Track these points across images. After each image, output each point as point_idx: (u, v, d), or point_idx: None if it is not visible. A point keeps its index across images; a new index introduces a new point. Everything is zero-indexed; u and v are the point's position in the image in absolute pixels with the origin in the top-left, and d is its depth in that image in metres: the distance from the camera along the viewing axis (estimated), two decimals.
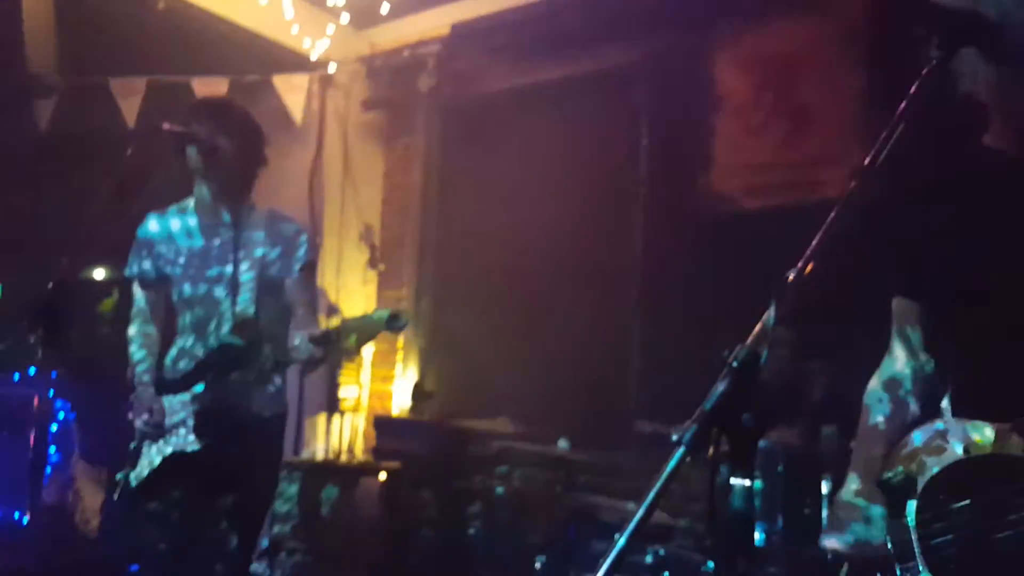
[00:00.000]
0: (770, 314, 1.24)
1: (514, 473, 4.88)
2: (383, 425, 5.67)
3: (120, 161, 2.98)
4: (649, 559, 3.22)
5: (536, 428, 4.77)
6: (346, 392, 5.74)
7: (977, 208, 1.70)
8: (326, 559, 5.13)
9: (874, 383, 1.89)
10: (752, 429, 1.18)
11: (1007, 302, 1.64)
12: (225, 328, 3.01)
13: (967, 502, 1.58)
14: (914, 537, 1.63)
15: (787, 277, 1.27)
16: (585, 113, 5.32)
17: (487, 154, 5.73)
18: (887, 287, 1.88)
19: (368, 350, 5.78)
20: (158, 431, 2.95)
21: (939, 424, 1.70)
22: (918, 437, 1.71)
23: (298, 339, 2.82)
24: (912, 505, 1.65)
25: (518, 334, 5.32)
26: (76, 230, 3.01)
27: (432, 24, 5.92)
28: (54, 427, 4.97)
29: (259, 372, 2.96)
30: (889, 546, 1.67)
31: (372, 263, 6.06)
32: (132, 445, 3.03)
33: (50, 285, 2.72)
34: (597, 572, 1.15)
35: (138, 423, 2.98)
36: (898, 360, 1.86)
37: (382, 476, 5.24)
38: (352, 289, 6.18)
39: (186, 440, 2.91)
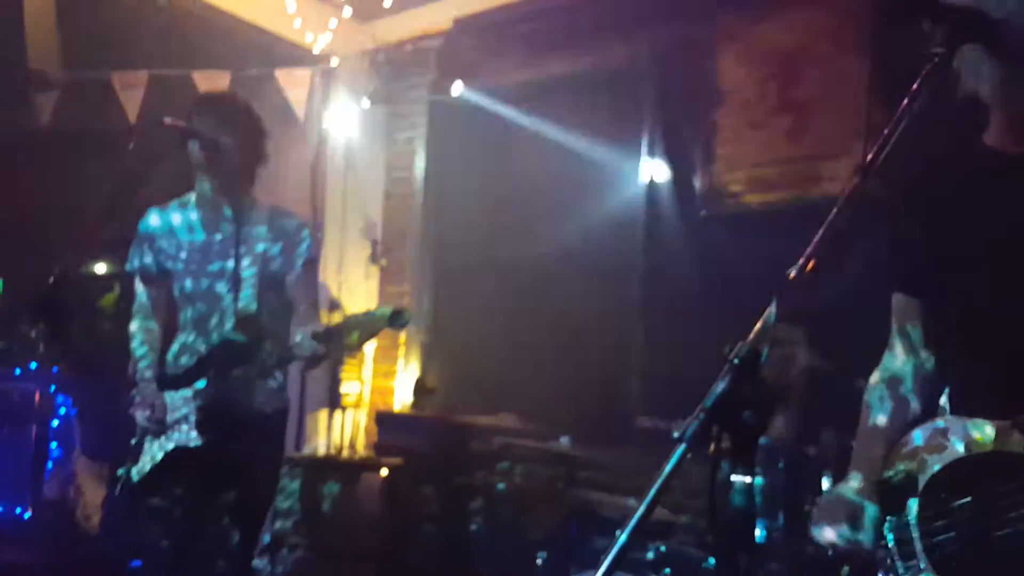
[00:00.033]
0: (771, 311, 1.24)
1: (515, 469, 4.88)
2: (385, 421, 5.68)
3: (122, 156, 2.98)
4: (650, 555, 3.22)
5: (538, 424, 4.77)
6: (348, 388, 5.74)
7: (977, 206, 1.69)
8: (328, 555, 5.13)
9: (874, 380, 1.89)
10: (753, 426, 1.18)
11: (1007, 299, 1.64)
12: (227, 324, 3.00)
13: (968, 500, 1.58)
14: (916, 535, 1.63)
15: (788, 274, 1.27)
16: (588, 107, 5.31)
17: (490, 149, 5.73)
18: (887, 284, 1.88)
19: (370, 346, 5.77)
20: (160, 427, 2.95)
21: (940, 422, 1.70)
22: (919, 435, 1.71)
23: (300, 335, 2.81)
24: (914, 503, 1.65)
25: (520, 330, 5.32)
26: (77, 225, 3.01)
27: (435, 18, 5.90)
28: (55, 422, 4.95)
29: (261, 368, 2.95)
30: (890, 544, 1.67)
31: (374, 258, 6.06)
32: (134, 441, 3.02)
33: (51, 280, 2.72)
34: (599, 568, 1.15)
35: (140, 419, 2.98)
36: (898, 357, 1.86)
37: (384, 472, 5.24)
38: (354, 284, 6.17)
39: (188, 436, 2.91)
